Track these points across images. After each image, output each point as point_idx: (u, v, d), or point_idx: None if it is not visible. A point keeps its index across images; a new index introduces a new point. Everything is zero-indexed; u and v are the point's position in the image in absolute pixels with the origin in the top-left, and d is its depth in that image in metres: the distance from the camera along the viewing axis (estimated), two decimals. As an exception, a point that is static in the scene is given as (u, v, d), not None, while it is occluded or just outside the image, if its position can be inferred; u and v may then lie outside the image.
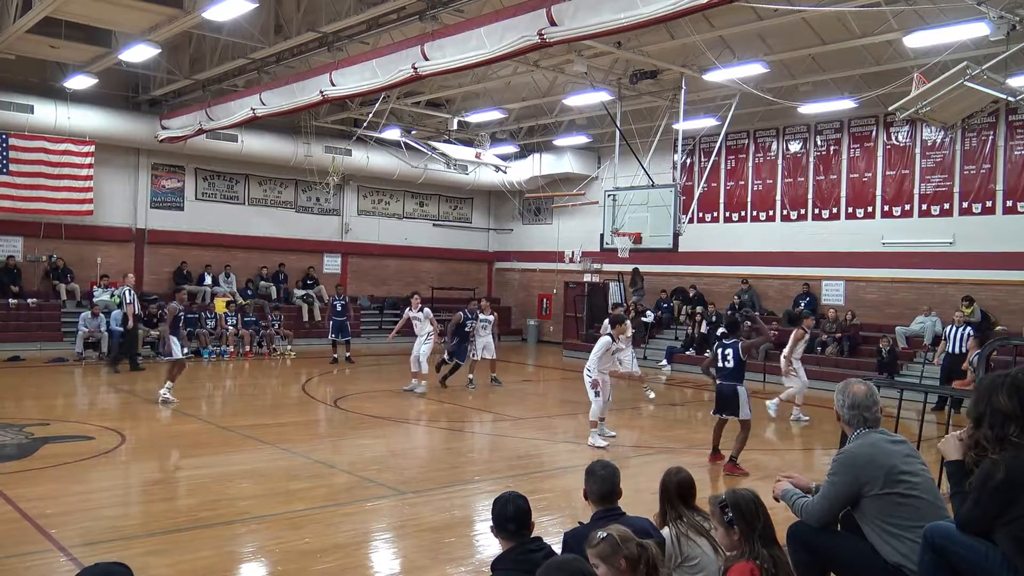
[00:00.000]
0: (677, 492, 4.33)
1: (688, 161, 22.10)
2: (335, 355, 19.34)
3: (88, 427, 11.04)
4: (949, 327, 15.22)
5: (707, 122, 18.91)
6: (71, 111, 19.88)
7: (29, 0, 13.87)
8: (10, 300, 19.63)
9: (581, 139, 23.76)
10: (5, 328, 19.14)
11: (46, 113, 19.66)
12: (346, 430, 12.21)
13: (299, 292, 23.83)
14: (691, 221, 18.99)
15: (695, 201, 19.62)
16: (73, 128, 20.07)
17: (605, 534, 3.34)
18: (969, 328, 14.96)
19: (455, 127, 22.41)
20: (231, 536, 6.74)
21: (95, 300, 19.52)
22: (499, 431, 12.18)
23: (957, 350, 14.83)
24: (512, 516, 3.89)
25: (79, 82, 18.31)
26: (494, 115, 21.71)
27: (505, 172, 26.16)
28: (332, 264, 25.88)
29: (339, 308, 19.28)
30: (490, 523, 4.02)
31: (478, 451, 10.87)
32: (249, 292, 22.67)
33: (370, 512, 7.70)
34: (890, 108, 14.05)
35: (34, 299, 20.01)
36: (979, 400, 4.08)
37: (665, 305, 22.62)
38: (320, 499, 7.94)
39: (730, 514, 3.48)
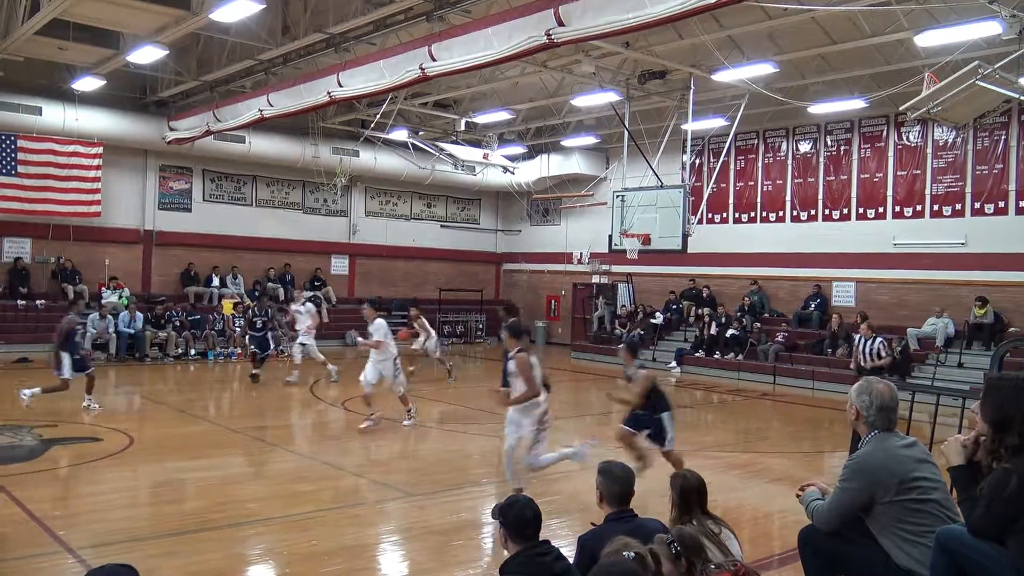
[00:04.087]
0: (691, 495, 4.32)
1: (697, 162, 21.98)
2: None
3: (96, 429, 11.03)
4: (858, 339, 13.40)
5: (716, 122, 18.74)
6: (79, 113, 19.88)
7: (37, 2, 13.82)
8: (19, 302, 19.64)
9: (589, 140, 23.64)
10: (14, 330, 19.13)
11: (54, 115, 19.67)
12: (353, 432, 12.13)
13: (307, 293, 23.74)
14: (700, 222, 18.77)
15: (704, 202, 19.37)
16: (81, 130, 20.08)
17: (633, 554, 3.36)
18: (880, 339, 13.18)
19: (463, 128, 22.28)
20: (239, 538, 6.75)
21: (103, 301, 19.56)
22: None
23: (868, 363, 12.94)
24: (531, 520, 3.86)
25: (87, 84, 18.28)
26: (502, 116, 21.61)
27: (513, 173, 26.12)
28: (340, 265, 25.85)
29: (259, 325, 16.69)
30: (499, 526, 3.96)
31: (486, 453, 10.72)
32: (256, 293, 22.64)
33: (377, 514, 7.70)
34: (901, 108, 13.88)
35: (42, 301, 19.98)
36: (1005, 404, 4.01)
37: (674, 307, 22.50)
38: (327, 501, 7.94)
39: (678, 548, 3.60)
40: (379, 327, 12.01)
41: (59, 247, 20.76)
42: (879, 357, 13.02)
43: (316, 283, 24.29)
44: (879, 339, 13.13)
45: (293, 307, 17.04)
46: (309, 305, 16.79)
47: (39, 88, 19.43)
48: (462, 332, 26.50)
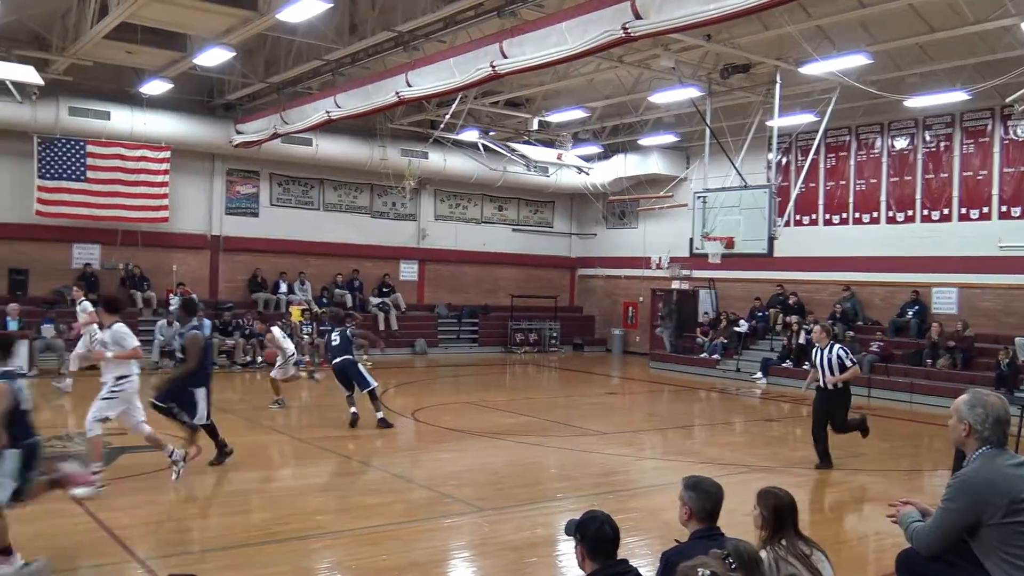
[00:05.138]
0: (784, 513, 4.12)
1: (784, 160, 21.07)
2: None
3: (165, 438, 10.81)
4: (815, 350, 10.60)
5: (804, 118, 17.88)
6: (147, 117, 19.91)
7: (106, 6, 13.85)
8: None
9: (668, 138, 22.90)
10: (83, 337, 19.23)
11: (122, 119, 19.72)
12: (424, 443, 11.91)
13: (375, 300, 23.54)
14: (787, 224, 18.32)
15: (792, 203, 18.55)
16: (149, 134, 20.09)
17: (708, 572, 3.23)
18: (839, 347, 10.39)
19: (535, 127, 21.86)
20: (306, 551, 6.60)
21: (171, 308, 19.48)
22: (582, 446, 11.62)
23: (829, 379, 10.27)
24: (610, 538, 3.79)
25: (155, 87, 18.31)
26: (576, 114, 21.05)
27: (588, 174, 25.43)
28: (409, 271, 25.51)
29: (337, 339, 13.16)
30: (577, 543, 3.81)
31: (560, 467, 10.38)
32: (324, 300, 22.42)
33: (449, 529, 7.57)
34: (1007, 100, 13.10)
35: (112, 308, 20.06)
36: None
37: (760, 314, 21.49)
38: (398, 515, 7.82)
39: (733, 563, 3.41)
40: (117, 335, 8.21)
41: (128, 253, 20.78)
42: (841, 368, 10.20)
43: (384, 289, 24.01)
44: (838, 346, 10.48)
45: (79, 307, 15.39)
46: (86, 304, 15.70)
47: (108, 93, 19.52)
48: (535, 340, 25.88)
